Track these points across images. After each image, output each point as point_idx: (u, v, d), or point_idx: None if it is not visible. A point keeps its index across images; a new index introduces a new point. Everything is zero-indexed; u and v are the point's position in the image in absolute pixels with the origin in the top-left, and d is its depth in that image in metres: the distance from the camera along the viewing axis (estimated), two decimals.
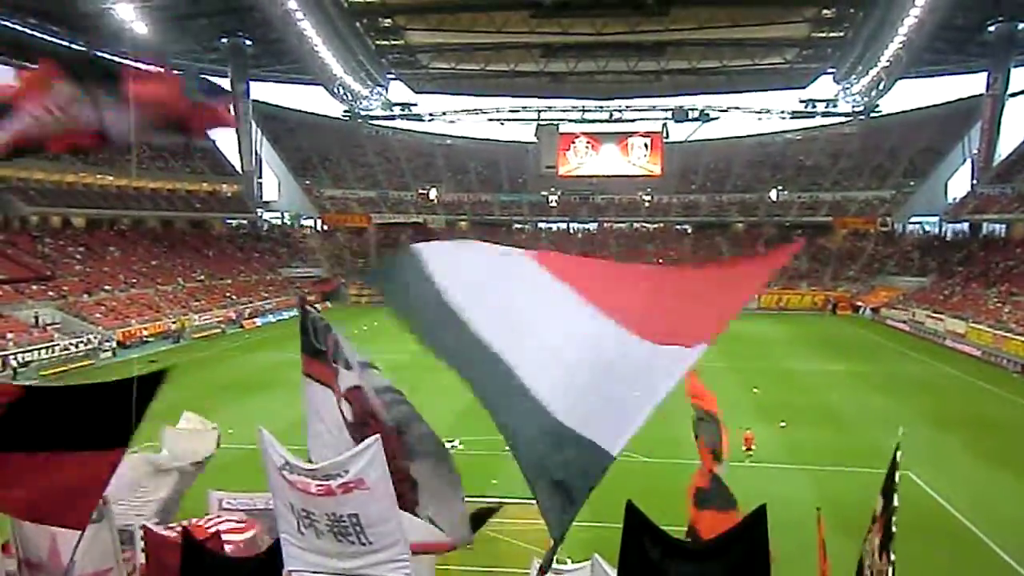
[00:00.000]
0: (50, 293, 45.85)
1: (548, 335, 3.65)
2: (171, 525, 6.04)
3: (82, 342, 40.88)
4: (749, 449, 21.74)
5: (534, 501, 3.38)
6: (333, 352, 5.25)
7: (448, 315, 3.76)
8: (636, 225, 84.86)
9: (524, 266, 4.09)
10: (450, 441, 24.16)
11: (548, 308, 3.79)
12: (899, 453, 4.95)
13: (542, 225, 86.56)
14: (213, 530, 6.23)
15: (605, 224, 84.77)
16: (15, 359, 35.99)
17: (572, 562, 6.87)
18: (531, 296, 3.90)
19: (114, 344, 42.78)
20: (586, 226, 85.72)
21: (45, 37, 66.05)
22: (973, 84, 73.67)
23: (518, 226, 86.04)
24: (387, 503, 4.06)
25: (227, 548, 5.95)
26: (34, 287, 45.66)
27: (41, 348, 38.38)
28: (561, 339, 3.62)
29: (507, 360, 3.53)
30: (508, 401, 3.42)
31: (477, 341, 3.62)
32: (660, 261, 75.62)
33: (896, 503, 4.77)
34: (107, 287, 50.42)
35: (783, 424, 25.83)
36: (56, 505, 4.74)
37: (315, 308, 5.30)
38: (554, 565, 10.68)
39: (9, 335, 37.93)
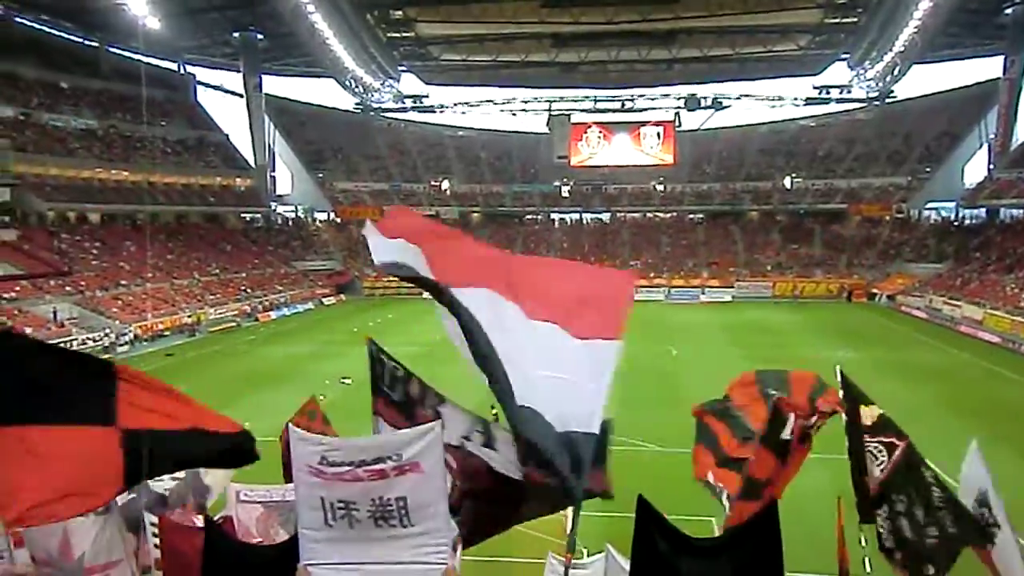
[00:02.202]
0: (67, 288, 46.32)
1: (518, 355, 4.00)
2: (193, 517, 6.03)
3: (100, 336, 41.30)
4: None
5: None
6: (418, 403, 5.05)
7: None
8: (649, 214, 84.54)
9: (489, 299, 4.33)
10: None
11: (511, 332, 4.14)
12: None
13: (554, 216, 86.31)
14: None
15: (618, 214, 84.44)
16: None
17: (588, 554, 6.88)
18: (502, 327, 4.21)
19: (131, 338, 43.16)
20: (599, 216, 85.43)
21: (56, 33, 66.80)
22: (989, 68, 72.93)
23: (530, 217, 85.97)
24: (439, 486, 4.06)
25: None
26: (52, 282, 46.11)
27: (59, 343, 38.72)
28: (530, 354, 4.03)
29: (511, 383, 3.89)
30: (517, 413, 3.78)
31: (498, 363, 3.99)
32: (673, 250, 75.79)
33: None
34: (123, 281, 50.86)
35: None
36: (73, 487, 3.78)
37: (382, 353, 5.22)
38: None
39: (27, 330, 38.31)
